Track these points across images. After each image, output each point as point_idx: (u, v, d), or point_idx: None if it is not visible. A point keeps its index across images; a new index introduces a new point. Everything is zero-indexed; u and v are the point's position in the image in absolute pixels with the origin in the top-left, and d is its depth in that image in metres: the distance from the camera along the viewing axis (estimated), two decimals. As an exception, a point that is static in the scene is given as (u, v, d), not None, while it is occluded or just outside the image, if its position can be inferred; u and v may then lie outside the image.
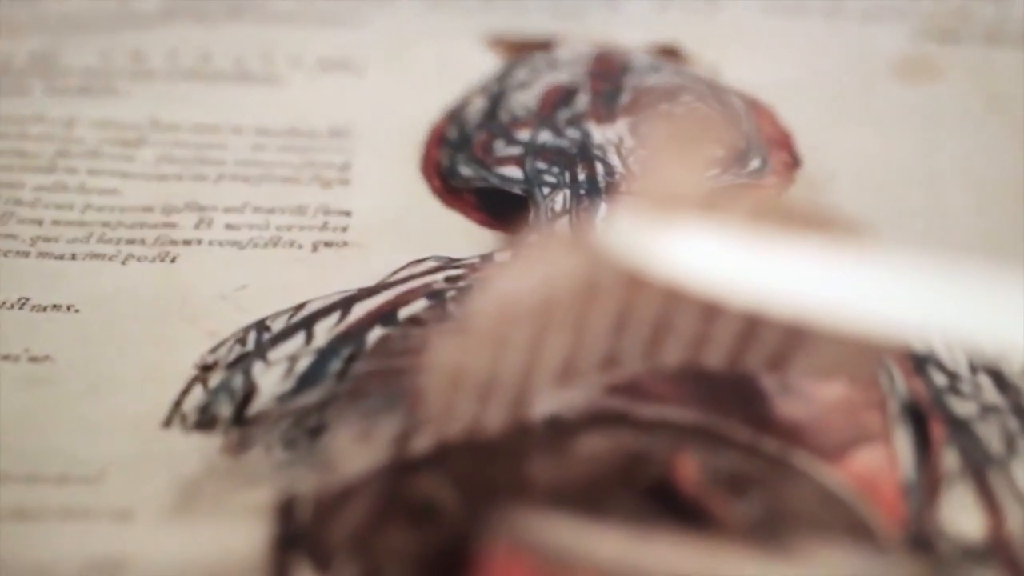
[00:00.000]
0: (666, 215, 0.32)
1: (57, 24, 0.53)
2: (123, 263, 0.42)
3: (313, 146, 0.47)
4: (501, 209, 0.45)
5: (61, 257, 0.42)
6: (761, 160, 0.46)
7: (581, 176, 0.46)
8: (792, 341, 0.35)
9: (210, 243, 0.43)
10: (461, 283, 0.41)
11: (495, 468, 0.35)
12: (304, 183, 0.46)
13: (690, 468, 0.35)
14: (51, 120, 0.48)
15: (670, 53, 0.52)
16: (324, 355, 0.39)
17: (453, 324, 0.39)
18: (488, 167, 0.46)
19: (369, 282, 0.41)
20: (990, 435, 0.37)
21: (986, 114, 0.50)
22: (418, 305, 0.40)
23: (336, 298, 0.41)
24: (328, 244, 0.43)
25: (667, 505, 0.34)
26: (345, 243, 0.43)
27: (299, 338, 0.39)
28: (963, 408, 0.38)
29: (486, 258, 0.42)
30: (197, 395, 0.38)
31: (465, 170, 0.46)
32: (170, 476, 0.36)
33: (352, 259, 0.43)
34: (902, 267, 0.32)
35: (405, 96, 0.50)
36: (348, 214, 0.44)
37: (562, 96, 0.49)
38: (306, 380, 0.38)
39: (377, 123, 0.49)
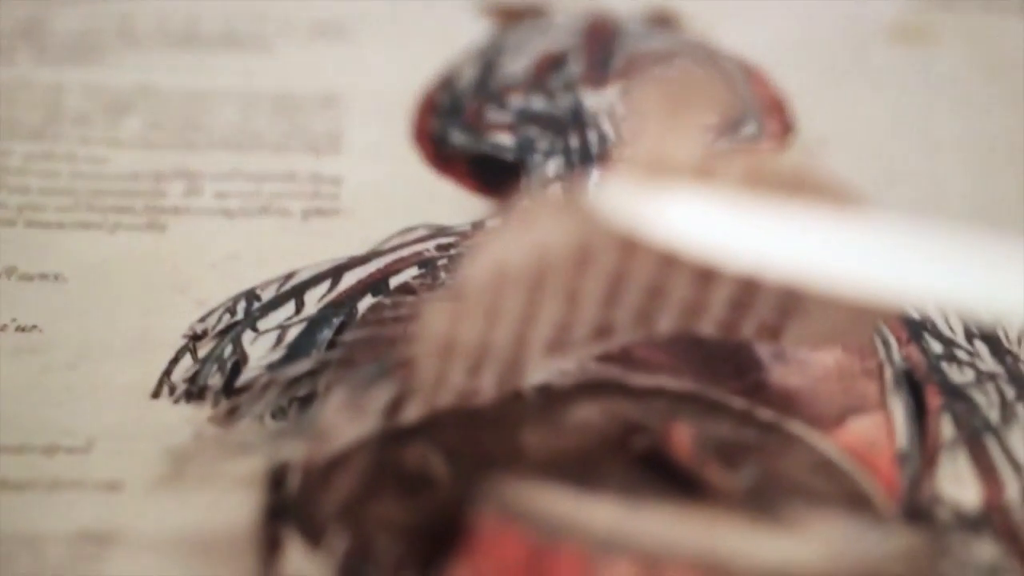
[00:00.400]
0: (659, 180, 0.32)
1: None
2: (111, 232, 0.42)
3: (304, 113, 0.47)
4: (493, 176, 0.44)
5: (48, 226, 0.42)
6: (756, 125, 0.46)
7: (574, 142, 0.45)
8: (786, 307, 0.35)
9: (200, 211, 0.43)
10: (452, 251, 0.41)
11: (487, 437, 0.35)
12: (294, 151, 0.45)
13: (684, 437, 0.35)
14: (39, 87, 0.48)
15: (664, 19, 0.52)
16: (314, 324, 0.39)
17: (444, 292, 0.38)
18: (480, 134, 0.46)
19: (360, 250, 0.41)
20: (986, 402, 0.37)
21: (981, 80, 0.49)
22: (409, 273, 0.40)
23: (326, 266, 0.40)
24: (319, 212, 0.43)
25: (661, 474, 0.34)
26: (336, 211, 0.43)
27: (289, 307, 0.39)
28: (959, 375, 0.38)
29: (477, 225, 0.42)
30: (186, 365, 0.38)
31: (457, 137, 0.46)
32: (159, 446, 0.35)
33: (343, 227, 0.42)
34: (897, 233, 0.31)
35: (397, 63, 0.50)
36: (339, 182, 0.44)
37: (555, 62, 0.49)
38: (296, 349, 0.38)
39: (368, 90, 0.48)
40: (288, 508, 0.34)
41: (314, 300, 0.39)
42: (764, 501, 0.34)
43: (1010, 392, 0.37)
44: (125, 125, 0.46)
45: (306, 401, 0.37)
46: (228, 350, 0.38)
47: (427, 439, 0.35)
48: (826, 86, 0.49)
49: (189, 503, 0.34)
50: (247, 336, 0.38)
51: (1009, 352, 0.38)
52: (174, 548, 0.34)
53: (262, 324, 0.39)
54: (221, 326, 0.39)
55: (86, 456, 0.36)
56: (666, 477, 0.34)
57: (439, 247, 0.41)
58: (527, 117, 0.47)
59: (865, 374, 0.38)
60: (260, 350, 0.38)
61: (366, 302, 0.39)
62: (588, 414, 0.36)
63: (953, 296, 0.31)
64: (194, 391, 0.37)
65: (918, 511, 0.35)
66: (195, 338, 0.39)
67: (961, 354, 0.38)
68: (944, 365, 0.38)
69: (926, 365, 0.38)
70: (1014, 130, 0.47)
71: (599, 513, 0.33)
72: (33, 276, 0.40)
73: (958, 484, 0.35)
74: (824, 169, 0.33)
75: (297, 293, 0.40)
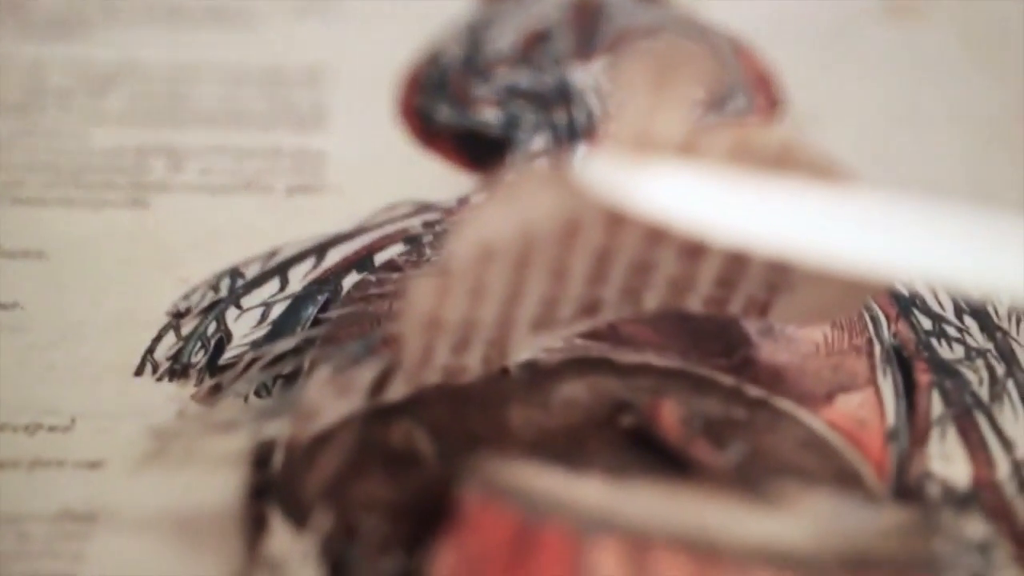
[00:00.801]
0: (646, 155, 0.32)
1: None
2: (95, 209, 0.42)
3: (288, 89, 0.47)
4: (479, 152, 0.44)
5: (31, 202, 0.42)
6: (744, 99, 0.46)
7: (560, 118, 0.45)
8: (774, 284, 0.35)
9: (183, 188, 0.43)
10: (438, 227, 0.41)
11: (473, 415, 0.35)
12: (279, 127, 0.45)
13: (671, 414, 0.35)
14: (20, 62, 0.47)
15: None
16: (299, 301, 0.38)
17: (430, 268, 0.38)
18: (466, 110, 0.46)
19: (344, 227, 0.41)
20: (976, 379, 0.37)
21: (972, 57, 0.49)
22: (394, 250, 0.40)
23: (311, 243, 0.40)
24: (303, 188, 0.43)
25: (648, 451, 0.34)
26: (320, 187, 0.43)
27: (273, 284, 0.39)
28: (949, 352, 0.38)
29: (463, 201, 0.42)
30: (170, 342, 0.38)
31: (442, 113, 0.46)
32: (142, 424, 0.35)
33: (327, 204, 0.42)
34: (886, 208, 0.31)
35: (382, 38, 0.49)
36: (323, 158, 0.44)
37: (541, 37, 0.49)
38: (280, 327, 0.38)
39: (354, 65, 0.48)
40: (272, 486, 0.34)
41: (298, 277, 0.39)
42: (752, 478, 0.34)
43: (1000, 368, 0.37)
44: (108, 101, 0.46)
45: (290, 379, 0.36)
46: (212, 327, 0.38)
47: (413, 417, 0.35)
48: (816, 62, 0.49)
49: (172, 482, 0.34)
50: (231, 313, 0.38)
51: (999, 328, 0.38)
52: (157, 527, 0.33)
53: (246, 301, 0.39)
54: (205, 303, 0.39)
55: (68, 434, 0.35)
56: (653, 454, 0.34)
57: (424, 223, 0.41)
58: (513, 92, 0.46)
59: (854, 351, 0.37)
60: (244, 327, 0.38)
61: (351, 279, 0.39)
62: (575, 391, 0.35)
63: (943, 272, 0.31)
64: (177, 369, 0.37)
65: (908, 488, 0.34)
66: (178, 315, 0.38)
67: (951, 330, 0.38)
68: (934, 341, 0.38)
69: (915, 341, 0.38)
70: (1005, 106, 0.47)
71: (586, 491, 0.33)
72: (15, 253, 0.40)
73: (948, 461, 0.35)
74: (812, 144, 0.33)
75: (281, 270, 0.39)
